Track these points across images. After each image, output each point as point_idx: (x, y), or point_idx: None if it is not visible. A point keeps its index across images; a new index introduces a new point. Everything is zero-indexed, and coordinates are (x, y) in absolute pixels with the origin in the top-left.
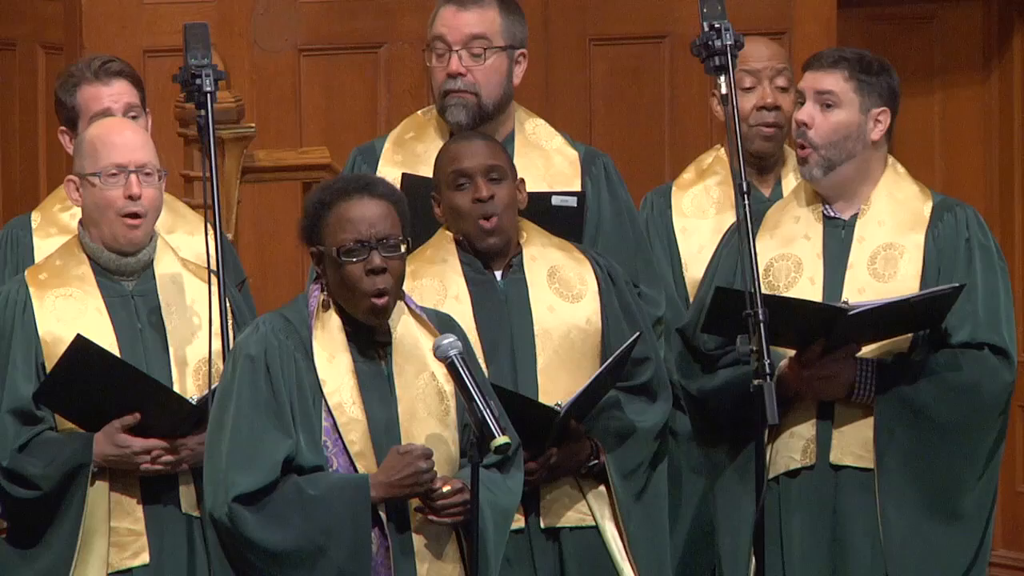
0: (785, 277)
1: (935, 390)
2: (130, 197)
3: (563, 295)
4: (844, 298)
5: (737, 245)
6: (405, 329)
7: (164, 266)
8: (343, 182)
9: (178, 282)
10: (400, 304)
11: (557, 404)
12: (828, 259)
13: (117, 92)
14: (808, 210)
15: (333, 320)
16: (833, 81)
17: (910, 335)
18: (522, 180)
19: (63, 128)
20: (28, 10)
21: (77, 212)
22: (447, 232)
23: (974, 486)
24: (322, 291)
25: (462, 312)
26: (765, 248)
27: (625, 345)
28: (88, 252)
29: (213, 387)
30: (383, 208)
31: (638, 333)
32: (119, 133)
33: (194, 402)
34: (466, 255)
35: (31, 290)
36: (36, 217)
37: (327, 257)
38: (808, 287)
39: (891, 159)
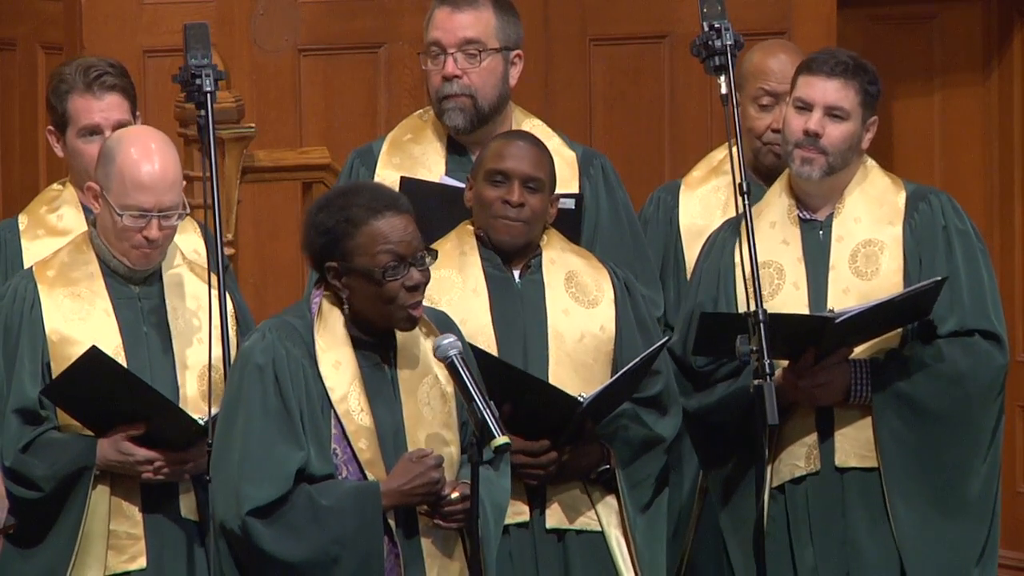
0: (769, 285)
1: (930, 382)
2: (146, 238)
3: (579, 300)
4: (830, 306)
5: (718, 257)
6: (408, 332)
7: (172, 269)
8: (366, 198)
9: (185, 286)
10: None
11: (580, 395)
12: (809, 262)
13: (108, 107)
14: (782, 214)
15: (337, 326)
16: (845, 96)
17: (899, 330)
18: (557, 196)
19: (51, 128)
20: (28, 10)
21: (64, 213)
22: (468, 226)
23: (980, 471)
24: (328, 298)
25: (479, 305)
26: (745, 258)
27: (653, 348)
28: (98, 253)
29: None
30: (411, 223)
31: (666, 339)
32: (150, 172)
33: (201, 423)
34: (486, 251)
35: (40, 287)
36: (23, 220)
37: (357, 273)
38: (793, 292)
39: (864, 156)
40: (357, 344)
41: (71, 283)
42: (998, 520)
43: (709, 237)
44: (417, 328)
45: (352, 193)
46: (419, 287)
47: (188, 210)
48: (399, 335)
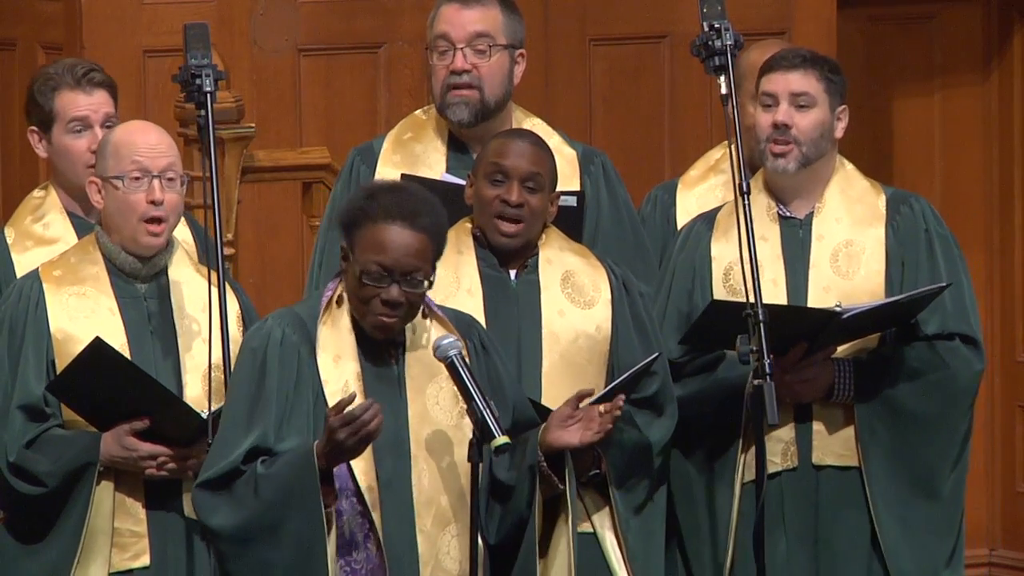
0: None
1: (913, 384)
2: (152, 202)
3: (575, 300)
4: (811, 303)
5: (693, 250)
6: (421, 331)
7: (178, 268)
8: (392, 200)
9: (190, 285)
10: None
11: None
12: (788, 259)
13: (97, 102)
14: (761, 211)
15: (343, 319)
16: (807, 83)
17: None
18: (558, 194)
19: (33, 128)
20: (28, 10)
21: (51, 221)
22: (466, 224)
23: (951, 473)
24: (341, 291)
25: (473, 306)
26: (722, 252)
27: (641, 364)
28: (105, 252)
29: (222, 405)
30: (419, 242)
31: (657, 355)
32: (143, 134)
33: (204, 416)
34: (482, 250)
35: (45, 286)
36: (9, 233)
37: (352, 263)
38: (771, 289)
39: (840, 157)
40: (362, 339)
41: (77, 282)
42: (964, 526)
43: (681, 231)
44: (433, 328)
45: (391, 190)
46: (394, 304)
47: (188, 177)
48: (409, 334)
